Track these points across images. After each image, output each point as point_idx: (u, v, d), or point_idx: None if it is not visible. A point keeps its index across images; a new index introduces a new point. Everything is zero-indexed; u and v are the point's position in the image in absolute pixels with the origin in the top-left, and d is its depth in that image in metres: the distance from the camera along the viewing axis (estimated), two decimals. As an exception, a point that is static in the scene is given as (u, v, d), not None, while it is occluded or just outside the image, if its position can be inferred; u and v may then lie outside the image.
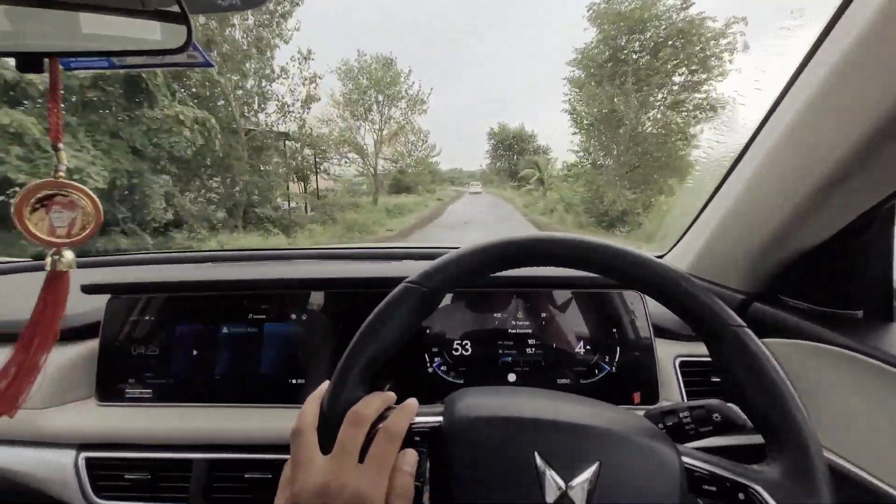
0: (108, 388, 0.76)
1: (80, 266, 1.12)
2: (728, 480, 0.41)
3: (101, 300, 0.79)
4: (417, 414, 0.43)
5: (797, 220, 0.67)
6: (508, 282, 0.78)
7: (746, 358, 0.43)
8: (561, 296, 0.80)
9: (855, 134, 0.54)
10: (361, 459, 0.39)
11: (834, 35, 0.56)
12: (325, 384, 0.45)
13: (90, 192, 0.47)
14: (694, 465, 0.41)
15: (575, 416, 0.43)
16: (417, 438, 0.42)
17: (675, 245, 0.96)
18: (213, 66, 0.65)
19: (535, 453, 0.39)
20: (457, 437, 0.41)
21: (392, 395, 0.45)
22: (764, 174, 0.69)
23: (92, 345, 0.78)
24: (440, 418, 0.43)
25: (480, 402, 0.44)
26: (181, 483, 0.70)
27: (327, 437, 0.41)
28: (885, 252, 0.69)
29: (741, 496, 0.40)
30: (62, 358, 0.77)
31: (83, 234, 0.48)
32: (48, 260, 0.48)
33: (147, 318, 0.78)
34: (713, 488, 0.41)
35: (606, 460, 0.40)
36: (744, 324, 0.44)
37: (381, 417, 0.42)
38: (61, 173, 0.46)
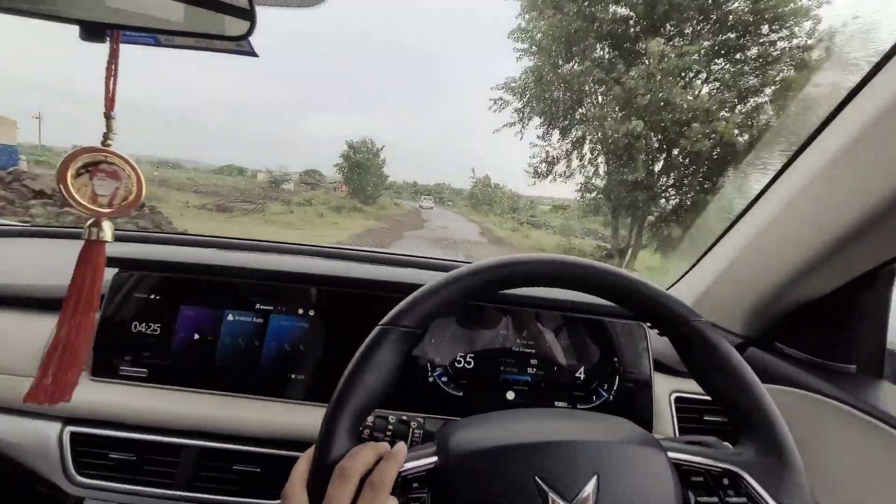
0: (104, 363, 0.75)
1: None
2: (711, 468, 0.44)
3: (107, 273, 0.78)
4: (410, 457, 0.43)
5: (802, 273, 0.69)
6: (515, 300, 0.79)
7: (709, 348, 0.46)
8: (567, 320, 0.81)
9: (866, 199, 0.57)
10: None
11: (855, 102, 0.59)
12: None
13: (135, 164, 0.47)
14: (679, 459, 0.44)
15: (567, 434, 0.44)
16: (416, 484, 0.42)
17: (677, 281, 0.98)
18: (257, 55, 0.66)
19: (535, 477, 0.40)
20: (456, 475, 0.41)
21: (384, 445, 0.44)
22: (775, 226, 0.72)
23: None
24: (435, 458, 0.43)
25: (473, 434, 0.45)
26: (167, 468, 0.68)
27: (318, 494, 0.40)
28: (882, 311, 0.71)
29: (725, 481, 0.43)
30: None
31: (125, 205, 0.48)
32: (87, 230, 0.48)
33: (152, 296, 0.77)
34: (700, 479, 0.44)
35: (604, 472, 0.41)
36: (702, 317, 0.48)
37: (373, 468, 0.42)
38: (110, 141, 0.46)
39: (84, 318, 0.49)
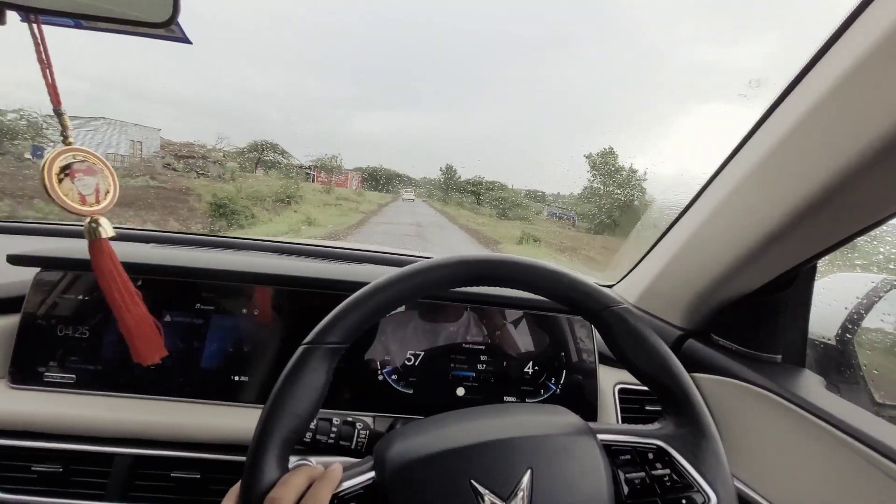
0: (25, 369, 0.70)
1: (2, 232, 1.03)
2: (637, 445, 0.47)
3: (28, 273, 0.72)
4: (347, 476, 0.42)
5: (734, 270, 0.73)
6: (463, 297, 0.79)
7: (630, 331, 0.49)
8: (514, 315, 0.83)
9: (793, 197, 0.60)
10: None
11: (786, 104, 0.62)
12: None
13: (100, 156, 0.46)
14: (608, 440, 0.47)
15: (500, 431, 0.45)
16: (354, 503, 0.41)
17: (623, 278, 1.02)
18: (190, 42, 0.63)
19: (471, 480, 0.41)
20: (394, 488, 0.41)
21: (317, 468, 0.42)
22: (710, 226, 0.75)
23: (11, 321, 0.71)
24: (372, 474, 0.42)
25: (409, 443, 0.44)
26: (98, 479, 0.64)
27: None
28: (804, 305, 0.77)
29: (650, 455, 0.46)
30: None
31: (110, 199, 0.48)
32: (87, 229, 0.48)
33: (79, 296, 0.72)
34: (627, 456, 0.46)
35: (536, 465, 0.42)
36: (622, 302, 0.50)
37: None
38: (71, 139, 0.45)
39: (131, 299, 0.54)
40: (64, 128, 0.45)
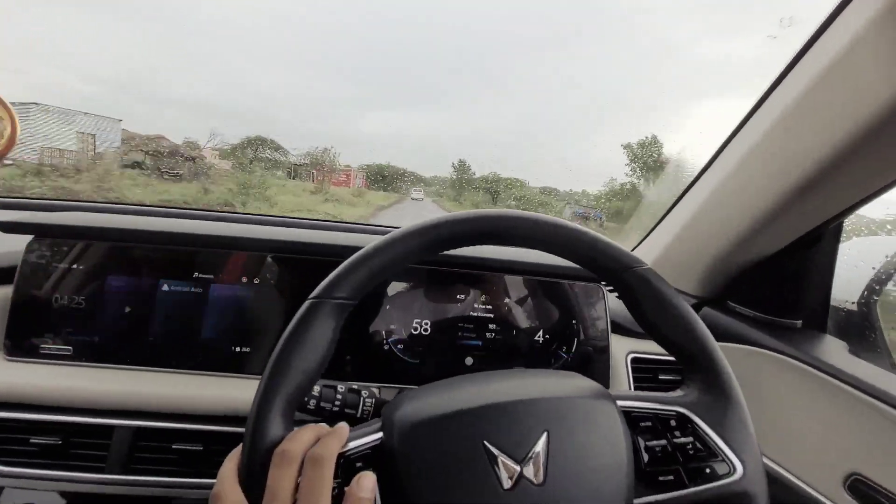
0: (20, 341, 0.68)
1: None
2: (658, 412, 0.44)
3: (21, 242, 0.70)
4: (353, 436, 0.40)
5: (752, 233, 0.70)
6: (470, 263, 0.77)
7: (654, 294, 0.46)
8: (524, 283, 0.80)
9: (814, 156, 0.57)
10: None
11: (803, 63, 0.58)
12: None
13: (7, 103, 0.40)
14: (628, 407, 0.44)
15: (514, 393, 0.43)
16: (360, 464, 0.39)
17: (636, 247, 0.99)
18: None
19: (484, 442, 0.38)
20: (402, 449, 0.38)
21: (323, 426, 0.41)
22: (725, 188, 0.72)
23: (4, 292, 0.69)
24: (380, 434, 0.40)
25: (418, 405, 0.42)
26: (98, 451, 0.63)
27: (254, 486, 0.36)
28: (827, 267, 0.73)
29: (672, 423, 0.44)
30: None
31: (2, 144, 0.41)
32: None
33: (74, 266, 0.69)
34: (648, 423, 0.44)
35: (553, 428, 0.40)
36: (645, 263, 0.47)
37: None
38: None
39: None
40: None
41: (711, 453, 0.42)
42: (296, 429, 0.39)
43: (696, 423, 0.43)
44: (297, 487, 0.35)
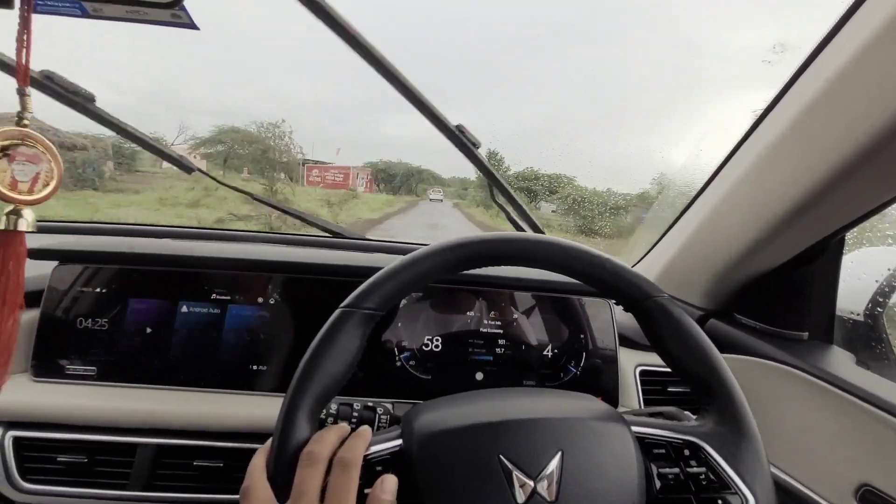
0: (47, 362, 0.70)
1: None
2: (672, 440, 0.45)
3: (47, 268, 0.73)
4: (374, 441, 0.42)
5: (757, 245, 0.71)
6: (481, 281, 0.78)
7: (672, 324, 0.47)
8: (536, 299, 0.81)
9: (817, 171, 0.58)
10: (323, 499, 0.37)
11: (804, 78, 0.60)
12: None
13: (53, 147, 0.42)
14: (642, 433, 0.45)
15: (531, 411, 0.44)
16: (379, 468, 0.41)
17: (641, 258, 1.00)
18: (198, 28, 0.62)
19: (499, 456, 0.40)
20: (420, 456, 0.40)
21: (346, 427, 0.43)
22: (730, 201, 0.73)
23: (31, 315, 0.72)
24: (399, 441, 0.42)
25: (437, 415, 0.44)
26: (121, 469, 0.65)
27: (282, 483, 0.38)
28: (832, 279, 0.74)
29: (686, 452, 0.44)
30: None
31: (46, 193, 0.43)
32: (4, 218, 0.42)
33: (97, 289, 0.72)
34: (662, 451, 0.45)
35: (568, 448, 0.41)
36: (665, 292, 0.48)
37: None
38: (26, 121, 0.41)
39: (10, 312, 0.44)
40: (23, 108, 0.42)
41: (724, 485, 0.42)
42: (322, 430, 0.41)
43: (709, 454, 0.44)
44: (323, 487, 0.38)
